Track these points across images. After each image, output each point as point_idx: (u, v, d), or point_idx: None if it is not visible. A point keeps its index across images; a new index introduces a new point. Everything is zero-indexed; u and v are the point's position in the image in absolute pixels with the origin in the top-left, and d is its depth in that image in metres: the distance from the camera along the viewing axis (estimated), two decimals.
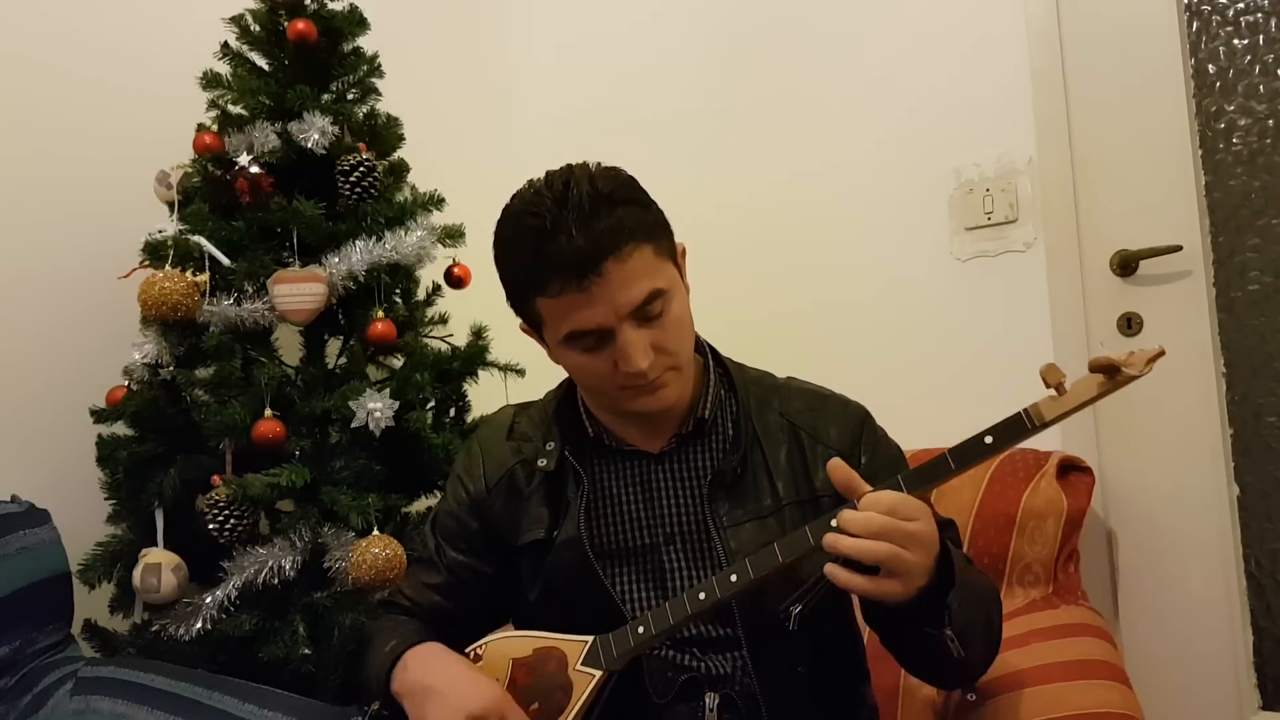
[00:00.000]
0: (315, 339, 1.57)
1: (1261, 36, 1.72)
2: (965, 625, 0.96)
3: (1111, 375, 0.86)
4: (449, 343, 1.66)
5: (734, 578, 0.99)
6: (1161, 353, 0.86)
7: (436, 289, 1.70)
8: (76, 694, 1.21)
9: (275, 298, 1.44)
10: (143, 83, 1.72)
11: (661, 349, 1.04)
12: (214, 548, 1.37)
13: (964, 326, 1.91)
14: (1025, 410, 0.90)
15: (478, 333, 1.66)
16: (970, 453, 0.92)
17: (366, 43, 1.63)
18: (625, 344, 1.01)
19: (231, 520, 1.35)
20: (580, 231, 0.98)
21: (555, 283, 1.00)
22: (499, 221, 1.08)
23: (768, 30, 2.14)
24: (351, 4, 1.61)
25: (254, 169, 1.44)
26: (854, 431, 1.15)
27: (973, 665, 1.07)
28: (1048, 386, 0.88)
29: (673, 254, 1.09)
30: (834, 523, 0.92)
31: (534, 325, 1.10)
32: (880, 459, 1.14)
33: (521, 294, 1.07)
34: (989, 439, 0.92)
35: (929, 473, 0.94)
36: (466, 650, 1.13)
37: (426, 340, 1.61)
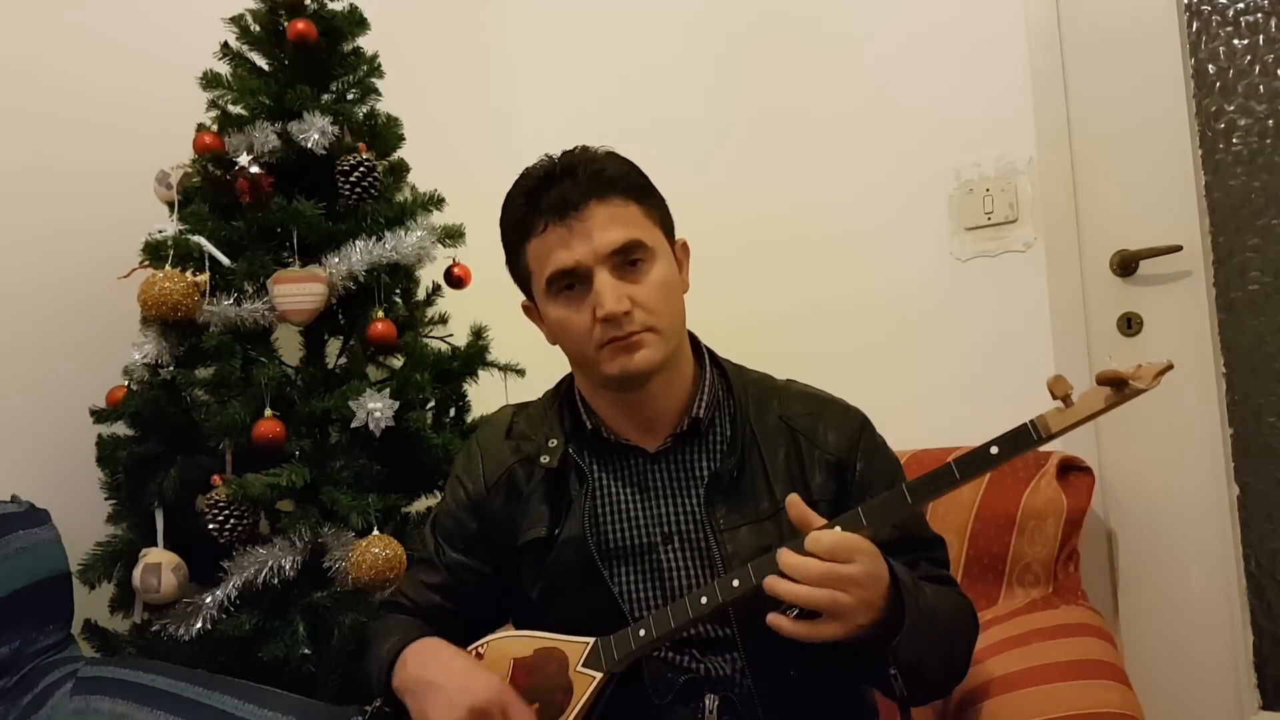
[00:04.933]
0: (315, 339, 1.57)
1: (1261, 36, 1.72)
2: (916, 660, 0.97)
3: (1119, 388, 0.85)
4: (449, 343, 1.66)
5: (735, 582, 0.99)
6: (1170, 366, 0.85)
7: (436, 289, 1.70)
8: (76, 694, 1.21)
9: (275, 298, 1.44)
10: (143, 83, 1.72)
11: (639, 304, 1.06)
12: (214, 548, 1.37)
13: (964, 326, 1.91)
14: (1031, 422, 0.89)
15: (478, 333, 1.66)
16: (975, 463, 0.92)
17: (366, 43, 1.63)
18: (600, 286, 1.05)
19: (231, 520, 1.35)
20: (572, 181, 1.06)
21: (541, 221, 1.06)
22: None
23: (768, 30, 2.14)
24: (351, 4, 1.61)
25: (254, 169, 1.44)
26: (852, 437, 1.15)
27: (926, 692, 1.08)
28: (1054, 398, 0.87)
29: (665, 229, 1.13)
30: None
31: (526, 284, 1.14)
32: (876, 466, 1.14)
33: (515, 246, 1.12)
34: (994, 449, 0.91)
35: (934, 482, 0.94)
36: (468, 649, 1.13)
37: (426, 340, 1.61)
